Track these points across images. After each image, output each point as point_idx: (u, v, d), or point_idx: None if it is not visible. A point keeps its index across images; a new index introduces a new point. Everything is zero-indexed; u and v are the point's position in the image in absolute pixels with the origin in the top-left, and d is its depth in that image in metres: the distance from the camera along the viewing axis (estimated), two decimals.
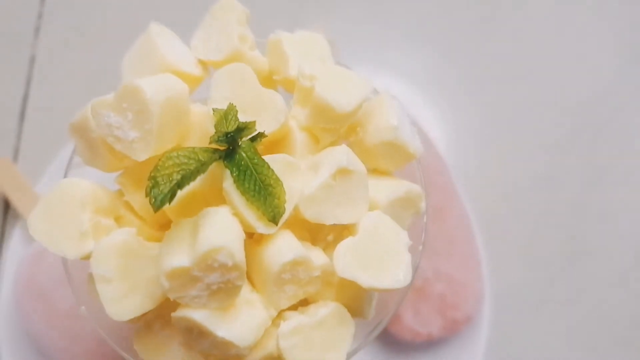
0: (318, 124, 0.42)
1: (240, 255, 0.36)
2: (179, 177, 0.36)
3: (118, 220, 0.43)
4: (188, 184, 0.36)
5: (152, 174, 0.36)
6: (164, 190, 0.36)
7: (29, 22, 0.79)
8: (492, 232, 0.72)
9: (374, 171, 0.46)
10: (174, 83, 0.41)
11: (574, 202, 0.75)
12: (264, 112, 0.40)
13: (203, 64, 0.46)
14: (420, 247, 0.46)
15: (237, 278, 0.37)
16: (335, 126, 0.42)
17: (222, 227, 0.36)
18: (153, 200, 0.36)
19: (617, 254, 0.73)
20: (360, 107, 0.43)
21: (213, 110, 0.39)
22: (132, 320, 0.43)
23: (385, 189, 0.44)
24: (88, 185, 0.42)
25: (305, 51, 0.45)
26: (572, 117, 0.77)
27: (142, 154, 0.40)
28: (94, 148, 0.43)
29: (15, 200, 0.71)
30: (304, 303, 0.43)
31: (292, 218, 0.42)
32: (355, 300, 0.43)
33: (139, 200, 0.44)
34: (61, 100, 0.78)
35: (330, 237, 0.45)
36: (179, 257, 0.36)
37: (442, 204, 0.69)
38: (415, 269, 0.45)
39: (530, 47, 0.80)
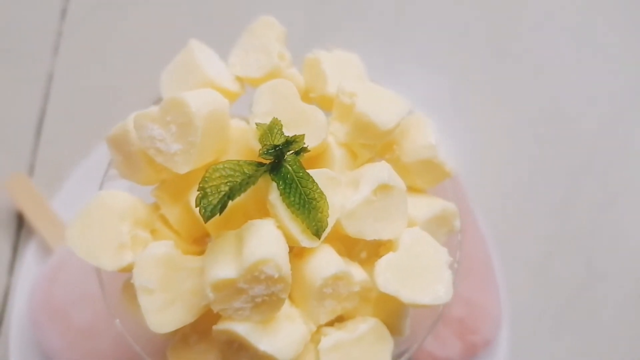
0: (358, 140, 0.43)
1: (286, 268, 0.36)
2: (226, 188, 0.36)
3: (153, 233, 0.43)
4: (239, 195, 0.37)
5: (201, 185, 0.36)
6: (213, 201, 0.36)
7: (48, 39, 0.80)
8: (508, 255, 0.72)
9: (409, 189, 0.46)
10: (216, 97, 0.42)
11: (589, 225, 0.75)
12: (305, 128, 0.41)
13: (240, 80, 0.47)
14: (456, 265, 0.46)
15: (282, 290, 0.37)
16: (374, 142, 0.43)
17: (268, 239, 0.36)
18: (203, 210, 0.36)
19: (632, 277, 0.73)
20: (399, 125, 0.43)
21: (256, 124, 0.40)
22: (168, 335, 0.42)
23: (422, 206, 0.44)
24: (127, 197, 0.42)
25: (341, 70, 0.46)
26: (587, 141, 0.78)
27: (183, 167, 0.40)
28: (132, 161, 0.43)
29: (30, 215, 0.71)
30: (339, 319, 0.43)
31: (330, 233, 0.42)
32: (393, 316, 0.43)
33: (175, 213, 0.44)
34: (77, 118, 0.78)
35: (363, 254, 0.45)
36: (225, 268, 0.36)
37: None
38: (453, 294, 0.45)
39: (544, 72, 0.81)
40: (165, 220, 0.44)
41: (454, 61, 0.81)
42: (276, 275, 0.36)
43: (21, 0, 0.81)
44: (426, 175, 0.45)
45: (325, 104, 0.44)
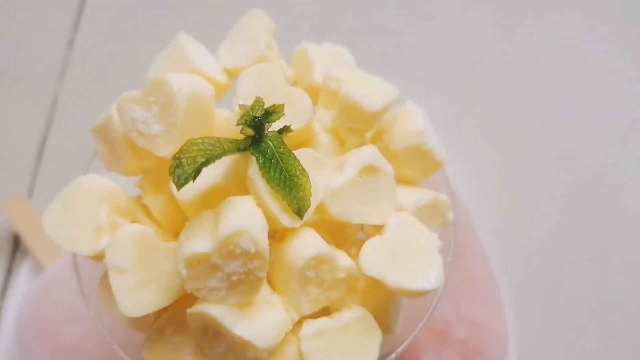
0: (344, 124, 0.42)
1: (263, 243, 0.35)
2: (203, 159, 0.35)
3: (134, 222, 0.42)
4: (214, 162, 0.35)
5: (177, 155, 0.35)
6: (187, 170, 0.34)
7: (54, 67, 0.81)
8: (513, 276, 0.70)
9: (400, 180, 0.44)
10: (200, 81, 0.41)
11: (598, 248, 0.72)
12: (290, 110, 0.40)
13: (229, 73, 0.47)
14: (449, 259, 0.44)
15: (259, 268, 0.35)
16: (361, 126, 0.42)
17: (245, 213, 0.35)
18: (177, 178, 0.34)
19: None
20: (387, 110, 0.42)
21: (239, 106, 0.39)
22: (143, 326, 0.40)
23: (412, 196, 0.43)
24: (107, 182, 0.41)
25: (330, 61, 0.45)
26: (593, 162, 0.77)
27: (164, 148, 0.39)
28: (116, 149, 0.43)
29: (26, 236, 0.70)
30: (325, 313, 0.40)
31: (315, 221, 0.40)
32: (381, 310, 0.40)
33: (157, 203, 0.43)
34: (79, 144, 0.78)
35: (353, 250, 0.43)
36: (199, 243, 0.35)
37: (461, 242, 0.67)
38: (445, 279, 0.43)
39: (550, 93, 0.81)
40: (147, 210, 0.43)
41: (455, 84, 0.81)
42: (252, 250, 0.34)
43: (31, 29, 0.84)
44: (416, 164, 0.44)
45: (313, 94, 0.44)
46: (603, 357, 0.68)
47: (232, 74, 0.47)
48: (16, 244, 0.72)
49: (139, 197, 0.44)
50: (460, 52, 0.83)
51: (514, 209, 0.75)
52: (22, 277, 0.68)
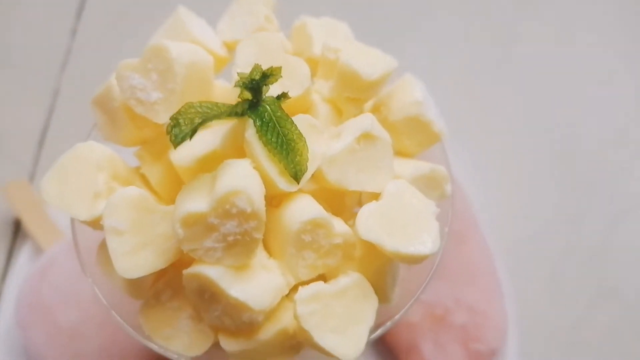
0: (343, 93, 0.42)
1: (259, 203, 0.35)
2: (200, 120, 0.35)
3: None
4: (210, 121, 0.35)
5: (174, 116, 0.35)
6: (185, 130, 0.35)
7: (57, 55, 0.82)
8: (514, 265, 0.69)
9: (398, 152, 0.44)
10: (199, 51, 0.41)
11: (598, 238, 0.72)
12: (289, 78, 0.40)
13: (228, 46, 0.47)
14: (447, 229, 0.44)
15: (255, 229, 0.35)
16: (359, 96, 0.42)
17: (242, 174, 0.35)
18: (174, 137, 0.35)
19: None
20: (385, 79, 0.42)
21: (238, 74, 0.39)
22: (140, 292, 0.40)
23: (410, 166, 0.43)
24: (105, 149, 0.41)
25: (329, 34, 0.45)
26: (595, 156, 0.76)
27: (163, 116, 0.39)
28: (115, 119, 0.43)
29: (27, 221, 0.70)
30: (322, 281, 0.40)
31: (313, 191, 0.40)
32: (378, 277, 0.40)
33: (156, 172, 0.43)
34: (79, 132, 0.79)
35: (350, 222, 0.43)
36: (196, 202, 0.35)
37: (461, 231, 0.67)
38: (441, 250, 0.42)
39: (551, 87, 0.81)
40: (145, 180, 0.43)
41: (456, 76, 0.81)
42: (248, 210, 0.34)
43: (34, 19, 0.84)
44: (414, 135, 0.44)
45: (312, 66, 0.44)
46: (602, 345, 0.67)
47: (231, 48, 0.47)
48: (17, 229, 0.72)
49: (137, 168, 0.44)
50: (462, 48, 0.83)
51: (515, 198, 0.74)
52: (22, 261, 0.68)
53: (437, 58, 0.82)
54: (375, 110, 0.45)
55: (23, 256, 0.69)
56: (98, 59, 0.82)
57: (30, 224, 0.70)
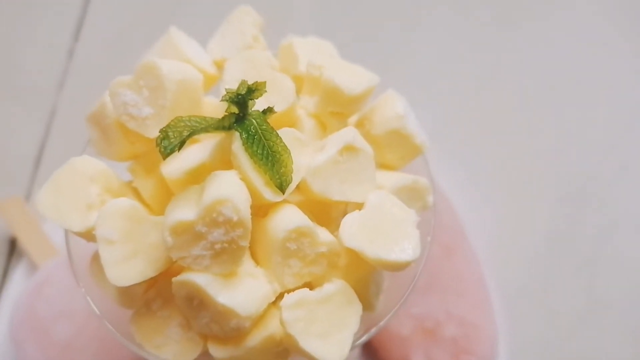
0: (326, 108, 0.44)
1: (245, 212, 0.36)
2: (188, 133, 0.37)
3: None
4: (198, 134, 0.37)
5: (163, 129, 0.37)
6: (173, 142, 0.36)
7: (54, 75, 0.84)
8: (504, 278, 0.70)
9: (381, 166, 0.46)
10: (189, 69, 0.43)
11: (588, 250, 0.73)
12: (274, 94, 0.42)
13: (218, 64, 0.49)
14: (429, 239, 0.45)
15: (241, 237, 0.36)
16: (343, 110, 0.44)
17: (228, 184, 0.37)
18: (163, 149, 0.36)
19: (634, 303, 0.71)
20: (368, 95, 0.44)
21: (226, 90, 0.41)
22: (132, 302, 0.42)
23: (392, 178, 0.44)
24: (99, 163, 0.43)
25: (315, 53, 0.47)
26: (585, 167, 0.77)
27: (154, 131, 0.41)
28: (108, 135, 0.44)
29: (23, 239, 0.71)
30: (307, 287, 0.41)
31: (299, 202, 0.42)
32: (362, 285, 0.41)
33: (148, 186, 0.44)
34: (76, 152, 0.80)
35: (336, 234, 0.44)
36: (185, 212, 0.36)
37: (449, 243, 0.68)
38: (424, 258, 0.44)
39: (539, 101, 0.82)
40: (137, 193, 0.45)
41: (446, 90, 0.83)
42: (235, 218, 0.35)
43: (31, 39, 0.86)
44: (396, 148, 0.45)
45: (298, 84, 0.45)
46: (593, 357, 0.68)
47: (221, 66, 0.49)
48: (12, 247, 0.73)
49: (129, 182, 0.46)
50: (452, 59, 0.85)
51: (505, 211, 0.76)
52: (17, 278, 0.70)
53: (423, 72, 0.84)
54: (359, 124, 0.47)
55: (18, 273, 0.70)
56: (95, 79, 0.83)
57: (25, 241, 0.71)
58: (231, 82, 0.42)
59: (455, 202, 0.72)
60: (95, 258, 0.43)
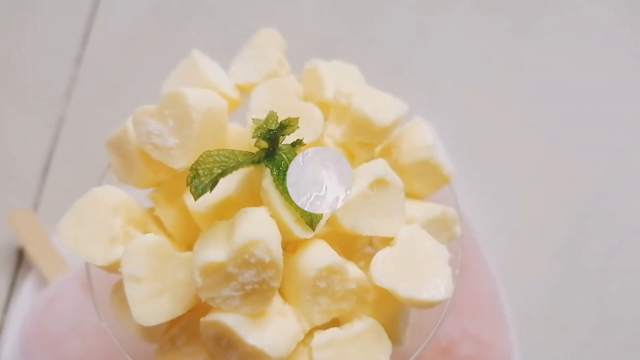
0: (355, 138, 0.43)
1: (277, 253, 0.35)
2: (219, 171, 0.36)
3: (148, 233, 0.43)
4: (231, 172, 0.36)
5: (193, 167, 0.36)
6: (204, 181, 0.35)
7: (62, 84, 0.82)
8: (517, 295, 0.70)
9: (409, 194, 0.45)
10: (214, 97, 0.42)
11: (601, 265, 0.73)
12: (302, 124, 0.41)
13: (241, 88, 0.48)
14: (457, 271, 0.45)
15: (272, 278, 0.35)
16: (372, 141, 0.43)
17: (259, 223, 0.36)
18: (194, 189, 0.35)
19: None
20: (397, 125, 0.43)
21: (253, 120, 0.40)
22: (155, 336, 0.41)
23: (421, 209, 0.43)
24: (121, 194, 0.42)
25: (340, 77, 0.46)
26: (598, 182, 0.77)
27: (179, 161, 0.40)
28: (130, 162, 0.43)
29: (32, 251, 0.70)
30: (335, 324, 0.41)
31: (326, 234, 0.41)
32: (391, 321, 0.41)
33: (170, 215, 0.43)
34: (85, 161, 0.79)
35: (361, 264, 0.43)
36: (215, 252, 0.35)
37: (465, 260, 0.68)
38: (453, 291, 0.43)
39: (550, 112, 0.81)
40: (159, 223, 0.44)
41: (457, 103, 0.82)
42: (267, 259, 0.35)
43: (39, 47, 0.85)
44: (424, 178, 0.44)
45: (323, 110, 0.45)
46: None
47: (244, 90, 0.48)
48: (20, 259, 0.72)
49: (151, 210, 0.45)
50: (464, 72, 0.84)
51: (517, 227, 0.75)
52: (26, 291, 0.69)
53: (439, 81, 0.83)
54: (386, 152, 0.46)
55: (27, 286, 0.69)
56: (103, 87, 0.82)
57: (35, 253, 0.70)
58: (258, 111, 0.41)
59: (469, 219, 0.71)
60: (117, 291, 0.42)
